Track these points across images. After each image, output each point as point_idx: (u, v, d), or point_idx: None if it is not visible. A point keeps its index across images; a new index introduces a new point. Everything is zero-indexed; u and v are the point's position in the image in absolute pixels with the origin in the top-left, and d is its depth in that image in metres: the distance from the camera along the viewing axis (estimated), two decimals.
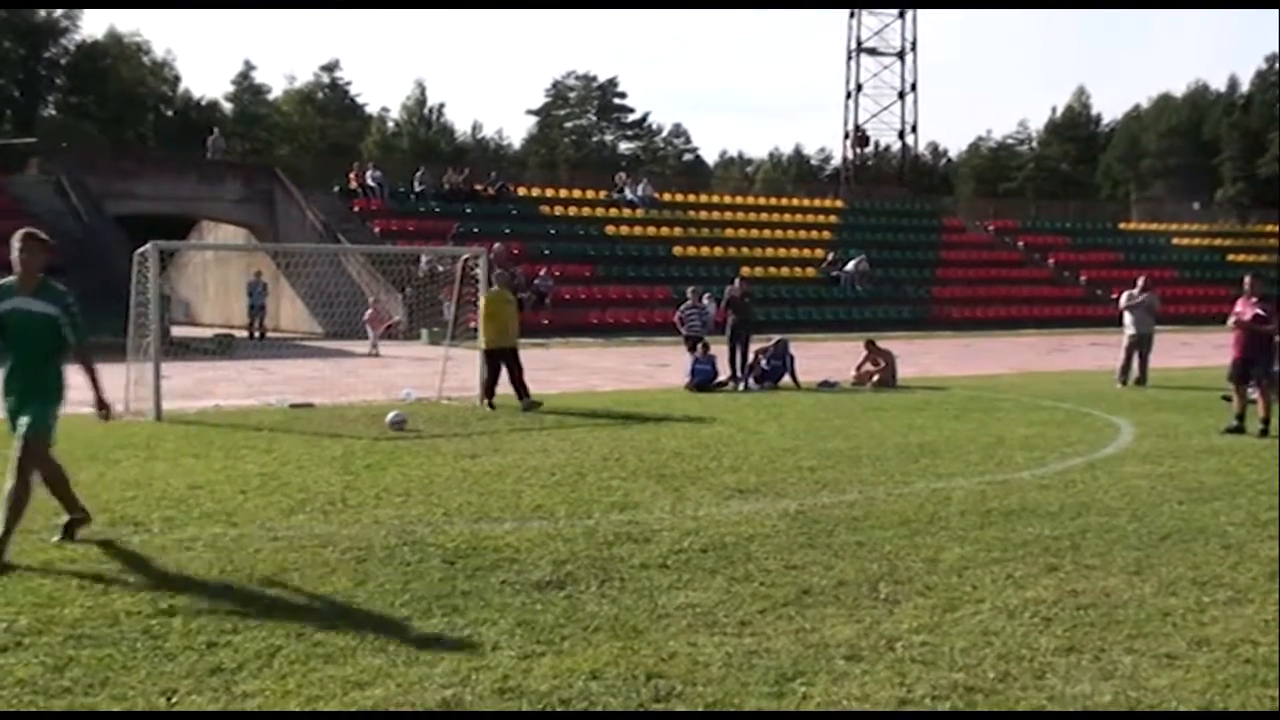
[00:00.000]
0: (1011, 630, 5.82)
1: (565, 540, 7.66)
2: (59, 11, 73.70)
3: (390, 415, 13.69)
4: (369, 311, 29.35)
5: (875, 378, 19.59)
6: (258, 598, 6.28)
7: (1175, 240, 55.21)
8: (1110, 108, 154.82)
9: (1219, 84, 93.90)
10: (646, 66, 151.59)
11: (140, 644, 5.50)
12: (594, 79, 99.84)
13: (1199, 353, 28.04)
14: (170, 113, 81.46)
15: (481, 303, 16.63)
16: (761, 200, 53.68)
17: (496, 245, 34.88)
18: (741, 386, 19.25)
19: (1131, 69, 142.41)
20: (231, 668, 5.19)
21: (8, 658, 5.28)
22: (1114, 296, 21.19)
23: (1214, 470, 10.65)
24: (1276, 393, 13.37)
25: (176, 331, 28.31)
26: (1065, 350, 30.79)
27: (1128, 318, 20.33)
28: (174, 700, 4.80)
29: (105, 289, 29.43)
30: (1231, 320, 13.82)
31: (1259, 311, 13.44)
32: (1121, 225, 57.58)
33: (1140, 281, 20.91)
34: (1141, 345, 19.98)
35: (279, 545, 7.47)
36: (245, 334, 34.04)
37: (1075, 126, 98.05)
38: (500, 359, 15.95)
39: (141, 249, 15.45)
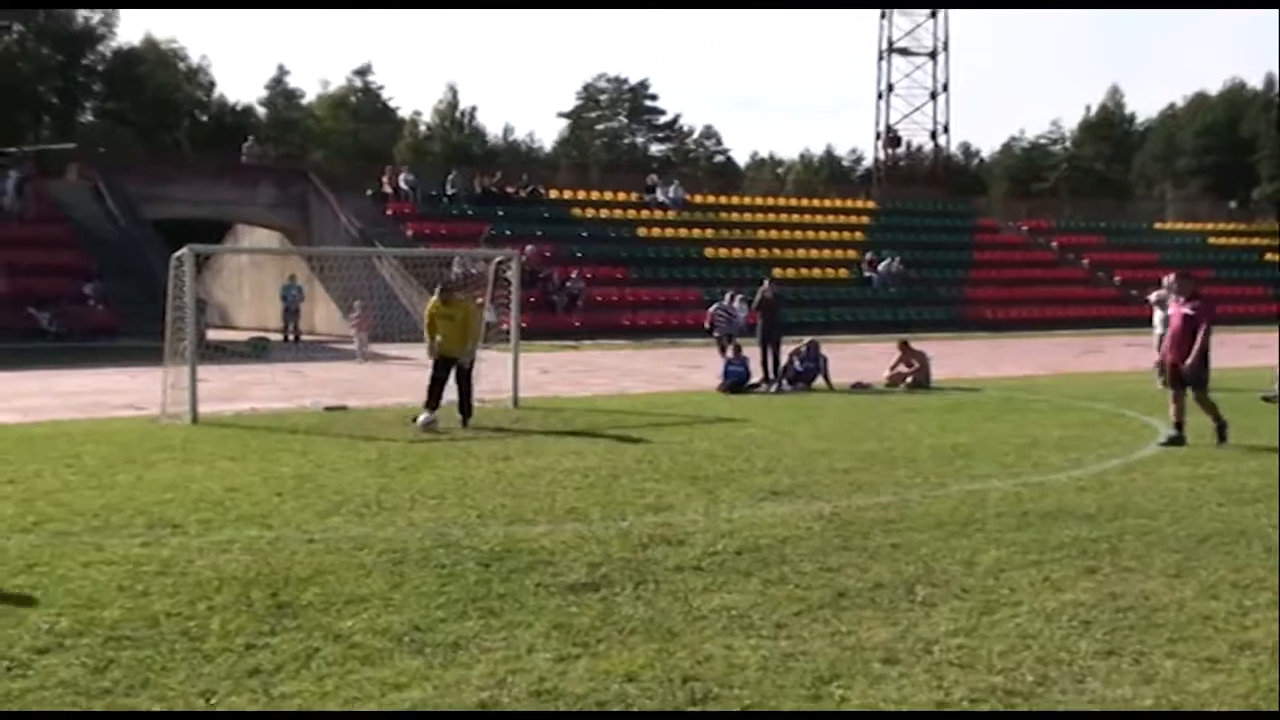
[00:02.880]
0: (1050, 633, 5.77)
1: (600, 542, 7.67)
2: (96, 18, 74.50)
3: (421, 417, 13.73)
4: (354, 315, 27.86)
5: (909, 379, 19.49)
6: (295, 600, 6.31)
7: (1211, 240, 54.61)
8: (1145, 106, 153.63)
9: (1256, 81, 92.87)
10: (677, 68, 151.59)
11: (179, 645, 5.55)
12: (625, 81, 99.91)
13: (1235, 353, 27.67)
14: (205, 118, 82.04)
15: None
16: (793, 201, 53.48)
17: (529, 247, 35.01)
18: (774, 388, 19.21)
19: (1166, 67, 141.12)
20: (270, 669, 5.22)
21: (49, 659, 5.34)
22: (1148, 297, 20.85)
23: (1254, 471, 10.52)
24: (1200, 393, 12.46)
25: (212, 335, 28.52)
26: (1100, 351, 30.54)
27: (1156, 315, 20.06)
28: (213, 701, 4.83)
29: (142, 292, 29.82)
30: (1158, 318, 13.38)
31: (1187, 311, 12.51)
32: (1157, 225, 57.05)
33: (1165, 281, 20.55)
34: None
35: (315, 548, 7.51)
36: (280, 337, 34.26)
37: (1109, 125, 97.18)
38: (445, 369, 14.37)
39: (178, 253, 15.57)
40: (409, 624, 5.87)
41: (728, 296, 22.06)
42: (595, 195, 47.18)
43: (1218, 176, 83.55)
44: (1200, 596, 6.44)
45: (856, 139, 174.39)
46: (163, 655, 5.40)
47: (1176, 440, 12.30)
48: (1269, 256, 53.00)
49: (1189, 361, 12.32)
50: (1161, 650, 5.52)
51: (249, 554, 7.33)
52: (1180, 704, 4.85)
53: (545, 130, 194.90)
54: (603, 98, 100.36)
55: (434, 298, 14.84)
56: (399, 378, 20.85)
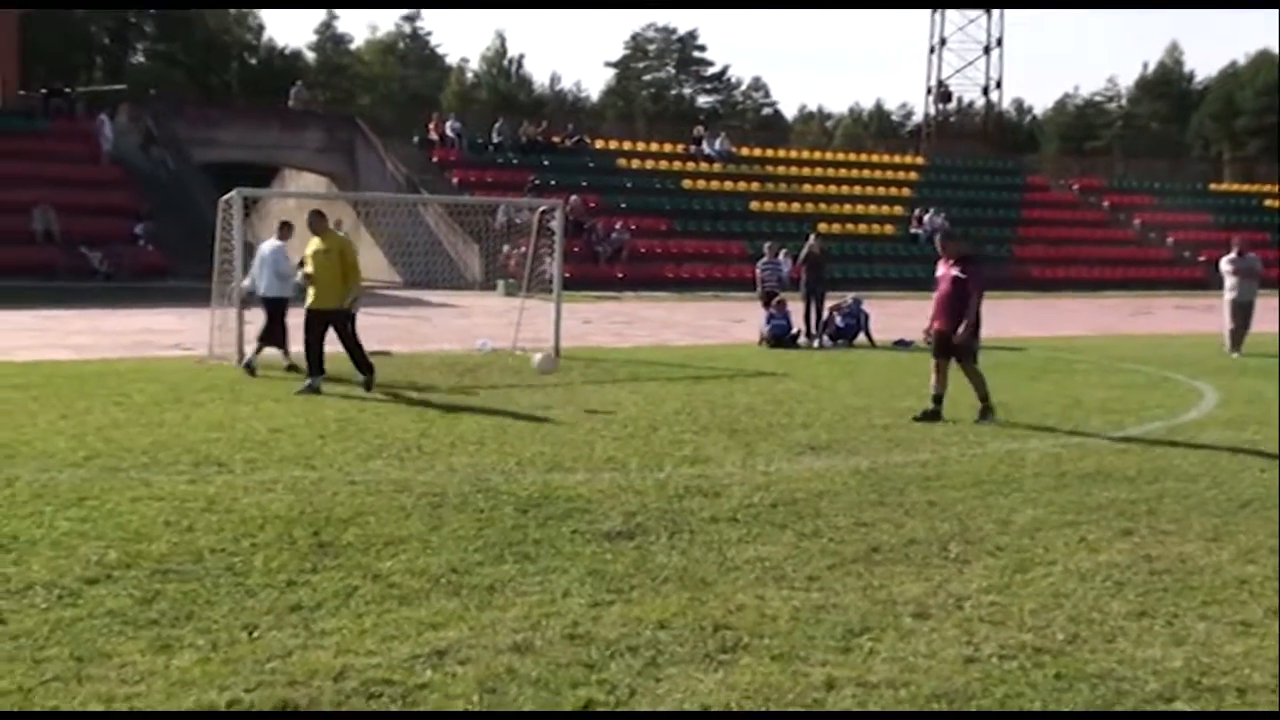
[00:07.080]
0: (1083, 593, 5.78)
1: (636, 492, 7.73)
2: None
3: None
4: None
5: None
6: (336, 539, 6.43)
7: (1268, 202, 53.60)
8: (1204, 65, 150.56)
9: None
10: (727, 19, 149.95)
11: (224, 580, 5.68)
12: (674, 32, 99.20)
13: None
14: (254, 61, 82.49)
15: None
16: (840, 156, 53.05)
17: (573, 197, 34.98)
18: (816, 343, 19.17)
19: (1227, 24, 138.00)
20: (310, 605, 5.34)
21: (98, 589, 5.48)
22: (1201, 259, 20.35)
23: None
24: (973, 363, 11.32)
25: None
26: (1149, 313, 30.19)
27: (1229, 282, 19.16)
28: (255, 634, 4.95)
29: (191, 235, 30.10)
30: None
31: (957, 274, 11.20)
32: (1212, 186, 56.06)
33: (1235, 242, 19.91)
34: (1246, 312, 18.86)
35: (356, 489, 7.63)
36: None
37: (1167, 84, 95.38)
38: (317, 323, 12.81)
39: (226, 196, 15.70)
40: (446, 566, 5.97)
41: (768, 250, 21.96)
42: (641, 146, 47.01)
43: (1278, 137, 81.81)
44: (1237, 561, 6.41)
45: (906, 94, 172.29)
46: (207, 589, 5.53)
47: (933, 415, 11.13)
48: None
49: (960, 330, 11.03)
50: (1194, 612, 5.52)
51: (292, 493, 7.46)
52: (1211, 665, 4.85)
53: (592, 80, 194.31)
54: (651, 48, 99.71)
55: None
56: (441, 324, 21.01)
